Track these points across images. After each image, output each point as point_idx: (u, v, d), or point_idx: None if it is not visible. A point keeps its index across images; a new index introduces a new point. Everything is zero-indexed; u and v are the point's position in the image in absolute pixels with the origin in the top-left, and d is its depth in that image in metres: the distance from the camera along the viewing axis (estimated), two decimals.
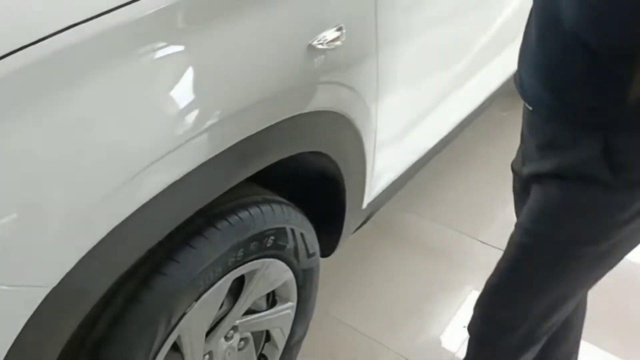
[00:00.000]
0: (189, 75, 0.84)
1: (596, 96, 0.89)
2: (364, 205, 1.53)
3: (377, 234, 2.16)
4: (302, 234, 1.27)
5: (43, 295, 0.72)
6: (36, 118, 0.67)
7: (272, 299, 1.36)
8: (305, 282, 1.38)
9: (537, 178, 1.05)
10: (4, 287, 0.67)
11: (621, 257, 1.05)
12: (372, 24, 1.19)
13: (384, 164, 1.52)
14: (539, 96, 0.97)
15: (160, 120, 0.81)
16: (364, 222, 1.69)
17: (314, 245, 1.35)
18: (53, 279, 0.73)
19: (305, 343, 1.64)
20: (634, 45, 0.82)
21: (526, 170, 1.08)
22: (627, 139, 0.90)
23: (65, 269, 0.74)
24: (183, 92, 0.83)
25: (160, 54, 0.80)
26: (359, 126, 1.28)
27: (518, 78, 1.03)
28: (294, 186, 1.39)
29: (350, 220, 1.49)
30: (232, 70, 0.91)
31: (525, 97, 1.01)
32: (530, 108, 1.00)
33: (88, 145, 0.74)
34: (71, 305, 0.78)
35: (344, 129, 1.24)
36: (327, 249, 1.56)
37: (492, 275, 1.14)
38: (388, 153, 1.51)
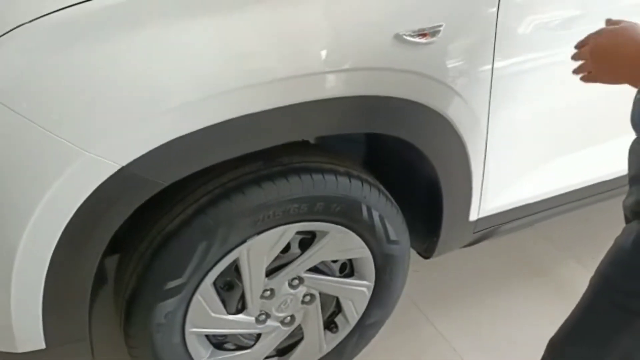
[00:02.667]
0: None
1: None
2: (472, 217, 1.52)
3: (510, 257, 2.07)
4: (380, 216, 1.35)
5: (112, 172, 0.98)
6: None
7: (349, 271, 1.47)
8: (385, 266, 1.46)
9: (625, 214, 0.99)
10: (81, 151, 0.94)
11: None
12: (489, 29, 1.22)
13: (499, 182, 1.49)
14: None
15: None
16: (480, 240, 1.67)
17: (398, 233, 1.42)
18: (124, 159, 0.98)
19: (390, 335, 1.71)
20: None
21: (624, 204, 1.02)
22: None
23: (138, 153, 0.99)
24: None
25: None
26: (462, 131, 1.31)
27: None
28: (401, 177, 1.48)
29: (451, 227, 1.50)
30: (319, 38, 1.08)
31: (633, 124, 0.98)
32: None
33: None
34: (133, 189, 1.03)
35: (440, 127, 1.28)
36: (427, 250, 1.60)
37: (567, 317, 1.08)
38: (504, 172, 1.48)
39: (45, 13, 0.90)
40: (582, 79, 0.97)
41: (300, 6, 1.06)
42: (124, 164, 0.99)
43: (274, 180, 1.20)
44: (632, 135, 1.03)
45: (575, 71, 0.98)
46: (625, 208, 1.03)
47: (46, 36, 0.91)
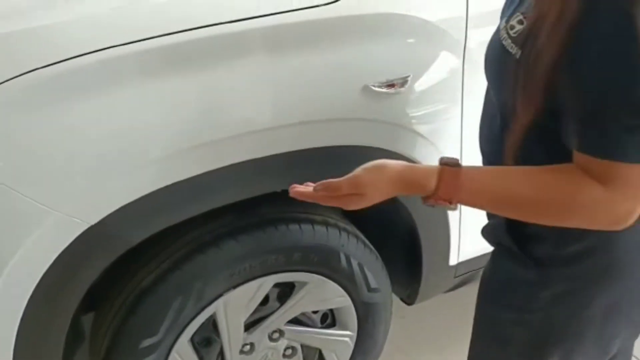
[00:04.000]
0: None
1: None
2: (452, 262, 1.52)
3: None
4: (360, 264, 1.34)
5: (81, 230, 0.98)
6: None
7: (331, 321, 1.45)
8: (367, 315, 1.44)
9: None
10: (50, 210, 0.94)
11: None
12: (456, 77, 1.24)
13: (477, 225, 1.49)
14: None
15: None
16: (462, 284, 1.66)
17: (379, 280, 1.41)
18: (93, 217, 0.98)
19: None
20: None
21: None
22: None
23: (107, 211, 0.99)
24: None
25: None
26: None
27: None
28: (379, 224, 1.48)
29: (431, 272, 1.49)
30: (294, 88, 1.11)
31: None
32: None
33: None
34: (104, 247, 1.02)
35: None
36: (409, 296, 1.58)
37: None
38: (481, 215, 1.48)
39: (15, 75, 0.92)
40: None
41: (276, 62, 1.09)
42: (93, 222, 0.98)
43: (249, 232, 1.20)
44: None
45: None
46: None
47: (14, 97, 0.92)
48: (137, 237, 1.05)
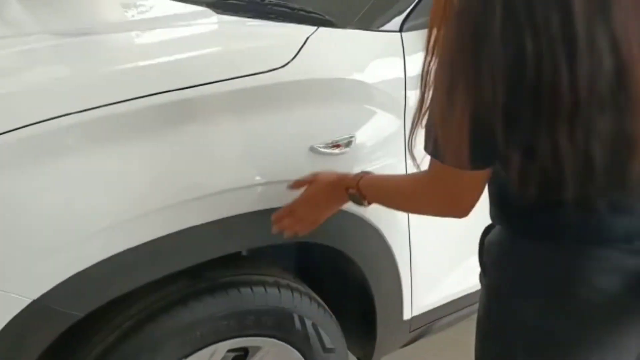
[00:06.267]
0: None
1: None
2: (406, 316, 1.52)
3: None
4: (314, 325, 1.33)
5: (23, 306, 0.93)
6: None
7: None
8: None
9: None
10: None
11: None
12: (398, 135, 1.29)
13: (429, 279, 1.51)
14: None
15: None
16: (418, 338, 1.66)
17: (334, 340, 1.39)
18: (34, 292, 0.94)
19: None
20: None
21: None
22: None
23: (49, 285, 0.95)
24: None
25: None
26: (385, 232, 1.34)
27: None
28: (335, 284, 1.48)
29: (386, 328, 1.49)
30: (240, 153, 1.13)
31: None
32: None
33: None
34: (49, 322, 0.98)
35: (363, 231, 1.31)
36: (366, 355, 1.57)
37: None
38: (432, 268, 1.51)
39: None
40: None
41: (224, 127, 1.12)
42: (34, 297, 0.94)
43: (200, 298, 1.17)
44: None
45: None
46: None
47: None
48: (82, 310, 1.01)
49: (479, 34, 0.75)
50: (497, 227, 0.97)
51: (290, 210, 1.16)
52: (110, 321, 1.13)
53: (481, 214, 1.54)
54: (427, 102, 0.84)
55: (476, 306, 1.70)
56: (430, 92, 0.84)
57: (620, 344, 0.88)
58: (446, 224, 1.48)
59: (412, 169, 1.32)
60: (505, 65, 0.74)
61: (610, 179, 0.80)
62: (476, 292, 1.65)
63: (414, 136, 0.89)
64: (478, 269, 1.63)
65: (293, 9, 1.41)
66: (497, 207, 0.95)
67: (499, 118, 0.77)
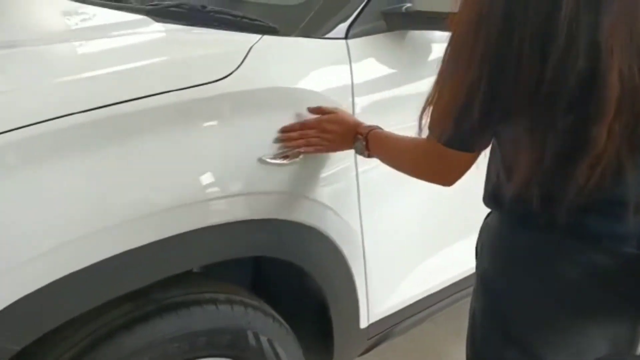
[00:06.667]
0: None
1: None
2: (362, 324, 1.51)
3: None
4: (269, 340, 1.29)
5: None
6: None
7: None
8: None
9: None
10: None
11: None
12: None
13: (383, 286, 1.50)
14: None
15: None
16: (376, 344, 1.65)
17: (291, 355, 1.36)
18: None
19: None
20: None
21: None
22: None
23: None
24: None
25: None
26: (338, 241, 1.32)
27: None
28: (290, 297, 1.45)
29: (343, 338, 1.48)
30: (186, 168, 1.08)
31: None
32: None
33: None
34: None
35: (317, 241, 1.29)
36: None
37: None
38: (386, 275, 1.50)
39: None
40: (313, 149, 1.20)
41: (169, 141, 1.06)
42: None
43: (147, 322, 1.11)
44: None
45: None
46: None
47: None
48: (18, 343, 0.95)
49: (482, 14, 0.79)
50: (492, 213, 1.03)
51: (302, 124, 1.18)
52: (51, 350, 1.07)
53: (433, 219, 1.58)
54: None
55: (437, 307, 1.73)
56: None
57: (585, 331, 0.93)
58: (401, 229, 1.50)
59: (364, 177, 1.33)
60: (494, 49, 0.78)
61: (560, 177, 0.83)
62: (435, 293, 1.66)
63: (424, 113, 0.93)
64: (435, 271, 1.65)
65: (236, 16, 1.38)
66: (489, 192, 1.00)
67: (478, 100, 0.81)
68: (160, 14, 1.48)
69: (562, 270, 0.89)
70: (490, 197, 0.99)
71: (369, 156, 1.17)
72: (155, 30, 1.45)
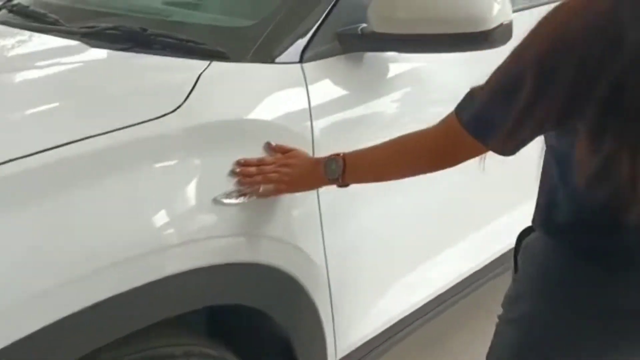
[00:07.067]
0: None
1: None
2: None
3: None
4: None
5: None
6: None
7: None
8: None
9: None
10: None
11: None
12: None
13: (349, 320, 1.43)
14: None
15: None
16: None
17: None
18: None
19: None
20: None
21: None
22: None
23: None
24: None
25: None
26: (301, 277, 1.24)
27: None
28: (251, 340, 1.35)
29: None
30: (136, 216, 0.97)
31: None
32: None
33: None
34: None
35: (276, 281, 1.20)
36: None
37: None
38: (354, 305, 1.43)
39: None
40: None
41: (111, 186, 0.95)
42: None
43: None
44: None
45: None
46: None
47: None
48: None
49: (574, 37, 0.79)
50: (537, 233, 1.02)
51: (260, 160, 1.10)
52: None
53: (400, 242, 1.52)
54: None
55: (405, 332, 1.67)
56: None
57: None
58: (364, 260, 1.43)
59: (326, 209, 1.25)
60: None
61: None
62: (406, 317, 1.60)
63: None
64: (403, 295, 1.59)
65: (181, 39, 1.27)
66: (544, 216, 0.99)
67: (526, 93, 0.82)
68: (97, 38, 1.36)
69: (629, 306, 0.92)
70: (552, 223, 0.97)
71: (341, 182, 1.09)
72: (91, 58, 1.32)
